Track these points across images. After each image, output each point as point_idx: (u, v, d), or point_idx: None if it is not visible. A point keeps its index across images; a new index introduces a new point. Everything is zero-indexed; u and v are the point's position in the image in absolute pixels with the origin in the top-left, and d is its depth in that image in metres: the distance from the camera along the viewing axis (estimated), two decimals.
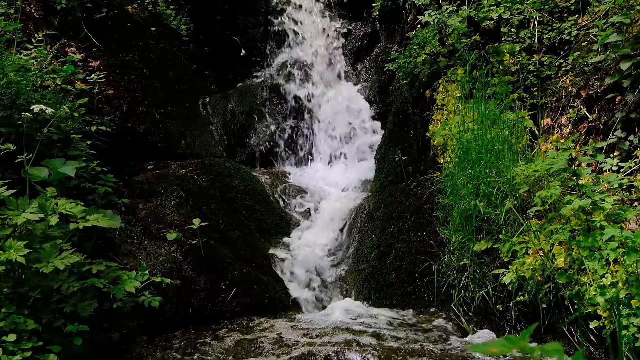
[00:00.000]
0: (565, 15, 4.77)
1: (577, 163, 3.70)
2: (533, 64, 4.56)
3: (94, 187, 4.10)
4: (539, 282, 3.34)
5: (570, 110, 4.10)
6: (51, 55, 4.57)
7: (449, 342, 3.63)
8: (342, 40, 7.54)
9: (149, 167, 5.14)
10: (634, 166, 3.47)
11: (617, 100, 3.78)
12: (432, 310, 4.18)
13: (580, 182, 3.47)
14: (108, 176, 4.23)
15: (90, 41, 5.50)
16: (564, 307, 3.26)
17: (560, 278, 3.22)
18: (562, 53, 4.57)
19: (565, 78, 4.33)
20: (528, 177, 3.67)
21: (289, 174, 6.31)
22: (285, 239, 5.34)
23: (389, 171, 5.46)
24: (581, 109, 4.03)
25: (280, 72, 7.22)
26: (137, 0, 6.27)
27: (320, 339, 3.55)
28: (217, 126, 6.57)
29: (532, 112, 4.30)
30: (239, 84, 7.24)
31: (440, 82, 4.96)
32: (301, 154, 6.67)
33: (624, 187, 3.39)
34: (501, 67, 4.60)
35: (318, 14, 7.78)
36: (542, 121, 4.28)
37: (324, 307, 4.72)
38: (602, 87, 3.92)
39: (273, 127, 6.70)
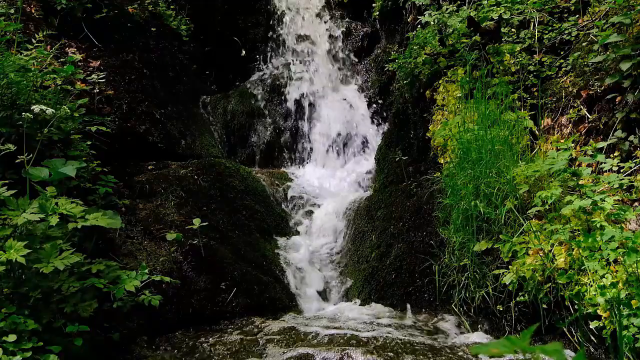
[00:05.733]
0: (565, 15, 4.77)
1: (577, 163, 3.70)
2: (533, 64, 4.56)
3: (94, 187, 4.10)
4: (539, 282, 3.34)
5: (570, 110, 4.10)
6: (51, 55, 4.56)
7: (449, 342, 3.63)
8: (342, 40, 7.54)
9: (149, 167, 5.14)
10: (634, 166, 3.47)
11: (617, 100, 3.78)
12: (432, 310, 4.17)
13: (580, 182, 3.47)
14: (108, 176, 4.23)
15: (90, 41, 5.50)
16: (564, 307, 3.26)
17: (560, 278, 3.22)
18: (562, 53, 4.57)
19: (565, 78, 4.33)
20: (528, 177, 3.67)
21: (289, 174, 6.31)
22: (285, 239, 5.34)
23: (389, 171, 5.47)
24: (581, 109, 4.03)
25: (280, 72, 7.21)
26: (137, 0, 6.27)
27: (320, 339, 3.55)
28: (217, 126, 6.58)
29: (532, 112, 4.30)
30: (239, 84, 7.24)
31: (440, 82, 4.96)
32: (301, 154, 6.66)
33: (624, 187, 3.39)
34: (501, 67, 4.60)
35: (318, 14, 7.78)
36: (542, 121, 4.28)
37: (324, 307, 4.72)
38: (602, 87, 3.92)
39: (273, 127, 6.70)
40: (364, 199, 5.57)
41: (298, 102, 6.88)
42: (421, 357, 3.23)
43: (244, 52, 7.48)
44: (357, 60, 7.47)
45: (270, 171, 6.31)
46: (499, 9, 4.93)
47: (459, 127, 4.24)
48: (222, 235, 4.72)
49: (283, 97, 6.91)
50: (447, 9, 5.12)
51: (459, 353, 3.32)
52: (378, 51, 7.34)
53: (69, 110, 3.87)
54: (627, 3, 3.87)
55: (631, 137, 3.59)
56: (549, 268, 3.30)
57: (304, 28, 7.60)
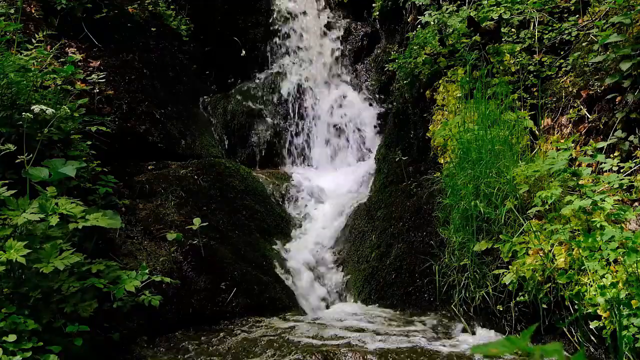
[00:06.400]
0: (565, 15, 4.77)
1: (577, 163, 3.70)
2: (533, 64, 4.56)
3: (94, 187, 4.10)
4: (539, 282, 3.34)
5: (570, 110, 4.10)
6: (51, 55, 4.56)
7: (449, 343, 3.63)
8: (342, 40, 7.53)
9: (149, 167, 5.14)
10: (634, 166, 3.47)
11: (617, 100, 3.78)
12: (433, 310, 4.17)
13: (580, 182, 3.47)
14: (108, 176, 4.23)
15: (90, 41, 5.49)
16: (564, 307, 3.26)
17: (560, 278, 3.22)
18: (562, 53, 4.57)
19: (565, 78, 4.33)
20: (528, 177, 3.67)
21: (289, 174, 6.31)
22: (286, 239, 5.34)
23: (389, 171, 5.46)
24: (581, 109, 4.03)
25: (280, 72, 7.21)
26: (137, 0, 6.27)
27: (320, 340, 3.55)
28: (217, 126, 6.57)
29: (532, 112, 4.30)
30: (239, 84, 7.24)
31: (440, 82, 4.96)
32: (301, 154, 6.66)
33: (624, 187, 3.39)
34: (501, 67, 4.60)
35: (318, 14, 7.78)
36: (542, 121, 4.28)
37: (324, 308, 4.72)
38: (602, 87, 3.92)
39: (273, 128, 6.70)
40: (364, 199, 5.57)
41: (298, 102, 6.87)
42: (422, 357, 3.23)
43: (244, 52, 7.47)
44: (357, 60, 7.47)
45: (270, 171, 6.31)
46: (499, 9, 4.92)
47: (459, 127, 4.24)
48: (222, 235, 4.72)
49: (283, 98, 6.90)
50: (447, 9, 5.12)
51: (460, 355, 3.32)
52: (378, 51, 7.34)
53: (69, 110, 3.87)
54: (627, 3, 3.87)
55: (631, 137, 3.59)
56: (549, 268, 3.30)
57: (304, 28, 7.59)
